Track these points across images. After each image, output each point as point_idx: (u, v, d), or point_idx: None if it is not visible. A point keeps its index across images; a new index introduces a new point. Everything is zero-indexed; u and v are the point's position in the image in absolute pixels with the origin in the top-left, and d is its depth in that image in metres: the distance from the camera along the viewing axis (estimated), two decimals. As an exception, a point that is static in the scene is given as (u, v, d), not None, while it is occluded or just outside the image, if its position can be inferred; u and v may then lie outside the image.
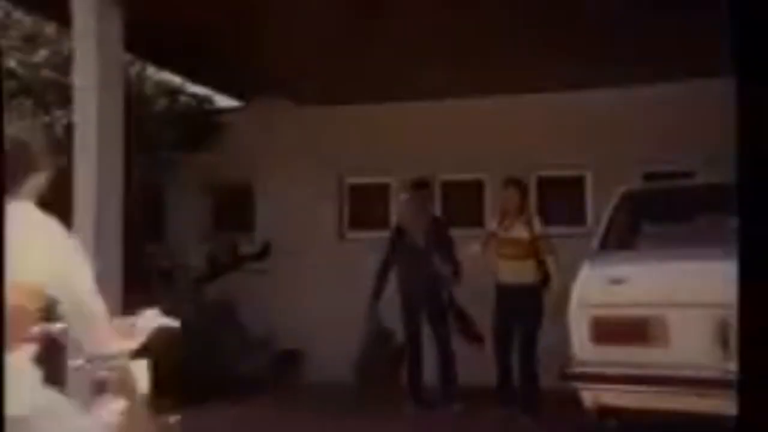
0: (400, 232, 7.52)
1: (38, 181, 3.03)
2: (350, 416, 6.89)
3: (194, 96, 9.92)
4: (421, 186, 7.64)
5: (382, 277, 7.38)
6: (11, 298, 2.47)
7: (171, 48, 7.47)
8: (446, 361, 7.27)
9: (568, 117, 8.70)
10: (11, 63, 8.90)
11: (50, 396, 2.76)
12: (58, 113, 8.48)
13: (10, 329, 2.49)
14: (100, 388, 3.16)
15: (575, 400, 4.90)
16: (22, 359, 2.65)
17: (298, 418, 6.78)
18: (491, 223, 7.14)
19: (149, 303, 3.22)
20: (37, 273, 2.63)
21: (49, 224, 2.77)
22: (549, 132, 8.75)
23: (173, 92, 9.73)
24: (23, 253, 2.56)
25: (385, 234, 9.26)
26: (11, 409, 2.45)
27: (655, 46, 7.19)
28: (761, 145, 2.44)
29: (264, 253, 8.89)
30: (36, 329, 2.75)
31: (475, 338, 7.17)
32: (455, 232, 9.32)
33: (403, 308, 7.32)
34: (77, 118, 6.32)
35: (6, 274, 2.30)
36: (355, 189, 9.76)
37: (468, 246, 6.96)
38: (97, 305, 2.89)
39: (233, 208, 9.83)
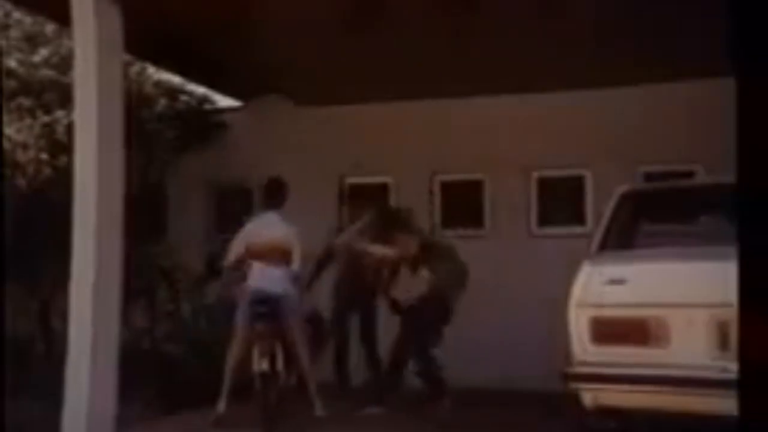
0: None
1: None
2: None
3: (194, 96, 9.92)
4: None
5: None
6: (278, 245, 6.80)
7: (171, 48, 7.47)
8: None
9: (568, 117, 8.70)
10: (11, 63, 8.91)
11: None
12: (59, 113, 8.49)
13: (278, 256, 6.74)
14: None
15: (575, 400, 4.89)
16: (281, 270, 6.73)
17: (297, 417, 6.78)
18: None
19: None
20: (283, 236, 6.80)
21: (287, 223, 6.90)
22: (549, 132, 8.75)
23: (173, 92, 9.73)
24: (279, 230, 6.85)
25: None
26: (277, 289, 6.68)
27: (655, 46, 7.19)
28: (761, 145, 2.44)
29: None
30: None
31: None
32: (455, 232, 9.37)
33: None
34: (77, 117, 6.32)
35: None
36: (355, 189, 9.76)
37: None
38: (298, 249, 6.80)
39: (233, 207, 9.83)
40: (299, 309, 6.90)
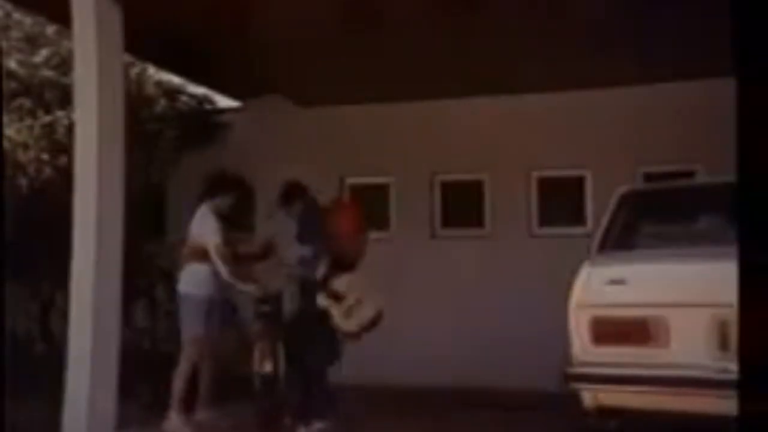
0: None
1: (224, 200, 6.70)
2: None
3: (194, 96, 9.92)
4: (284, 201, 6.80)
5: None
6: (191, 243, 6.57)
7: (171, 48, 7.47)
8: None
9: (568, 117, 8.71)
10: (12, 63, 8.91)
11: None
12: (59, 113, 8.50)
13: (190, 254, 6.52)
14: None
15: (575, 400, 4.90)
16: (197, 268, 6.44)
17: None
18: None
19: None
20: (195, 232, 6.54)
21: (205, 216, 6.51)
22: (549, 132, 8.76)
23: (173, 92, 9.74)
24: (195, 225, 6.52)
25: (385, 234, 9.28)
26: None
27: (655, 46, 7.20)
28: (761, 145, 2.44)
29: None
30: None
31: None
32: (455, 233, 9.37)
33: None
34: (77, 118, 6.33)
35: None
36: (355, 189, 9.76)
37: None
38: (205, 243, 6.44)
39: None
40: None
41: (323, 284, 6.34)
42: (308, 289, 6.39)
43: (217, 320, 6.53)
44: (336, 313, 6.30)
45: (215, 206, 6.62)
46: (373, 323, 6.38)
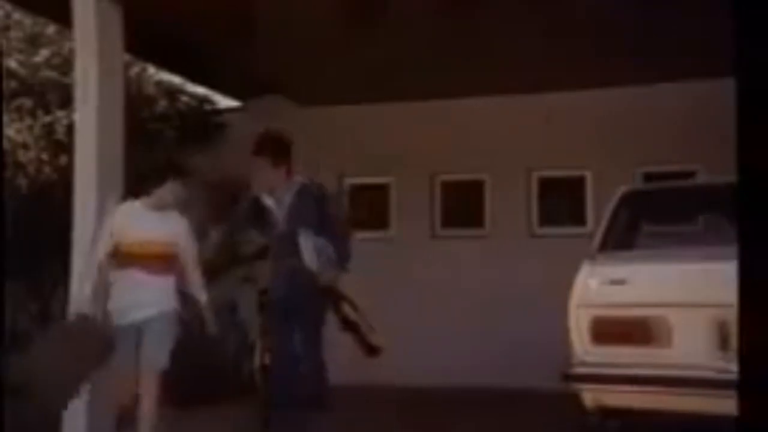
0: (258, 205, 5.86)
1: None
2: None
3: (194, 96, 9.93)
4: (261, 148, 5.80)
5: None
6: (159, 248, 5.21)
7: (171, 48, 7.48)
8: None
9: (568, 117, 8.71)
10: (12, 63, 8.91)
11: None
12: (59, 113, 8.50)
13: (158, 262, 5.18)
14: None
15: (575, 400, 4.90)
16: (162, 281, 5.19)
17: (295, 419, 6.78)
18: None
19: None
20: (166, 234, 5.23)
21: (171, 216, 5.32)
22: (549, 132, 8.76)
23: (173, 92, 9.74)
24: (161, 225, 5.20)
25: (385, 234, 9.28)
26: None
27: (655, 45, 7.20)
28: (761, 145, 2.44)
29: (263, 253, 8.81)
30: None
31: (369, 349, 5.71)
32: (455, 232, 9.37)
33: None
34: (78, 117, 6.33)
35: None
36: (355, 189, 9.76)
37: None
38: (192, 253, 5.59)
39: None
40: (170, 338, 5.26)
41: (335, 290, 5.63)
42: (318, 286, 5.57)
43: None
44: (363, 326, 5.63)
45: (151, 201, 5.30)
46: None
